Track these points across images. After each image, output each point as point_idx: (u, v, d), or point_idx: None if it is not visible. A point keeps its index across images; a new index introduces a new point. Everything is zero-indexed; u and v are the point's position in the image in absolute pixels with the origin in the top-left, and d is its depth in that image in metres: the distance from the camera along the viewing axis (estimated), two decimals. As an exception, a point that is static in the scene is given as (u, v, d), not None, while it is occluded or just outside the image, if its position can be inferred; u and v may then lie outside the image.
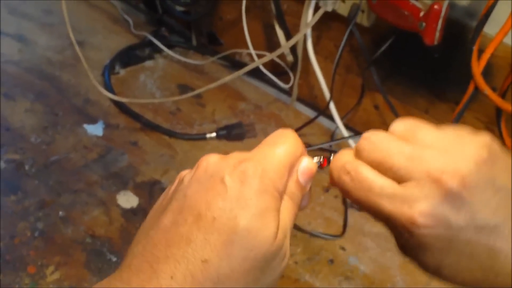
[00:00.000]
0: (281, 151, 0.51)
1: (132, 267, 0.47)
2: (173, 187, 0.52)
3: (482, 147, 0.46)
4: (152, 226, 0.49)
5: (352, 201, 0.51)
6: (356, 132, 1.36)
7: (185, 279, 0.45)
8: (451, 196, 0.44)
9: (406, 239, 0.47)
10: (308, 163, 0.53)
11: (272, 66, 1.39)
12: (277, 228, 0.47)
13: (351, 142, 1.25)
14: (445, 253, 0.46)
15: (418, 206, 0.45)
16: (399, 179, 0.47)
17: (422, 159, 0.47)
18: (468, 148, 0.46)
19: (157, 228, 0.48)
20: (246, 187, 0.47)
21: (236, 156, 0.50)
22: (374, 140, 0.50)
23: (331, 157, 0.54)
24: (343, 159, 0.51)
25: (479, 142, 0.47)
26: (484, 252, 0.45)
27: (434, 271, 0.48)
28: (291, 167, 0.52)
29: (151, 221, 0.50)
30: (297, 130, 1.27)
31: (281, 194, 0.50)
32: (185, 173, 0.52)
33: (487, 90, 1.03)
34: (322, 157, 0.56)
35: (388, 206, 0.46)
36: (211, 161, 0.51)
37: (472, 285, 0.47)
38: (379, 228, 1.15)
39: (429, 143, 0.48)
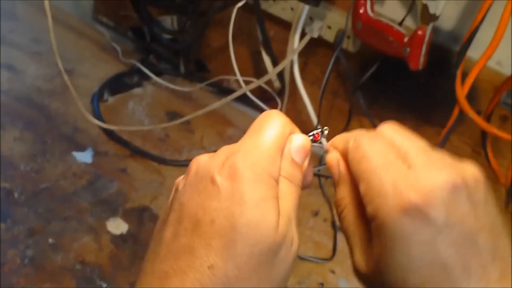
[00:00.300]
0: (268, 135, 0.49)
1: (143, 286, 0.47)
2: (171, 197, 0.51)
3: (477, 169, 0.47)
4: (157, 241, 0.49)
5: (352, 171, 0.49)
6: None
7: None
8: (451, 188, 0.44)
9: (387, 226, 0.44)
10: (301, 140, 0.51)
11: (259, 92, 1.40)
12: (278, 216, 0.46)
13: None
14: (421, 251, 0.44)
15: (417, 186, 0.44)
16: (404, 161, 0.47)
17: (432, 153, 0.47)
18: (468, 165, 0.47)
19: (161, 243, 0.48)
20: (238, 182, 0.46)
21: (224, 151, 0.49)
22: (396, 127, 0.50)
23: (325, 130, 0.53)
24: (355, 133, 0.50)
25: (474, 165, 0.47)
26: (459, 267, 0.43)
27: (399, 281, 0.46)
28: (282, 148, 0.50)
29: (156, 237, 0.50)
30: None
31: (277, 180, 0.48)
32: (179, 180, 0.51)
33: (471, 113, 1.04)
34: (315, 131, 0.53)
35: (387, 179, 0.45)
36: (200, 162, 0.49)
37: None
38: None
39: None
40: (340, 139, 0.52)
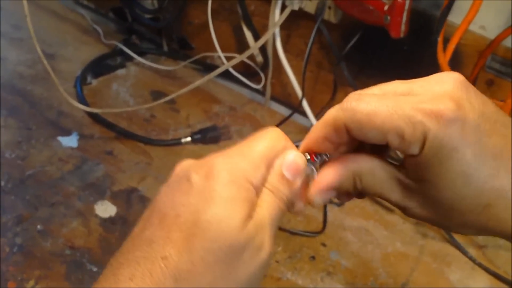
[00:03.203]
0: (256, 145, 0.49)
1: (100, 279, 0.46)
2: None
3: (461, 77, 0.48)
4: (127, 238, 0.49)
5: (360, 125, 0.46)
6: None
7: (143, 278, 0.43)
8: (461, 84, 0.46)
9: (437, 146, 0.43)
10: (295, 157, 0.50)
11: (243, 67, 1.39)
12: (246, 218, 0.45)
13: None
14: (474, 153, 0.43)
15: (438, 99, 0.44)
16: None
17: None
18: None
19: (128, 239, 0.48)
20: (211, 180, 0.45)
21: (209, 156, 0.48)
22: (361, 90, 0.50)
23: (323, 155, 0.51)
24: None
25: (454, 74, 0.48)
26: (505, 152, 0.45)
27: (442, 196, 0.45)
28: (270, 160, 0.49)
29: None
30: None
31: (256, 187, 0.47)
32: None
33: (454, 79, 1.03)
34: (311, 153, 0.51)
35: (408, 111, 0.44)
36: (184, 164, 0.49)
37: (469, 220, 0.46)
38: (359, 222, 1.16)
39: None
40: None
